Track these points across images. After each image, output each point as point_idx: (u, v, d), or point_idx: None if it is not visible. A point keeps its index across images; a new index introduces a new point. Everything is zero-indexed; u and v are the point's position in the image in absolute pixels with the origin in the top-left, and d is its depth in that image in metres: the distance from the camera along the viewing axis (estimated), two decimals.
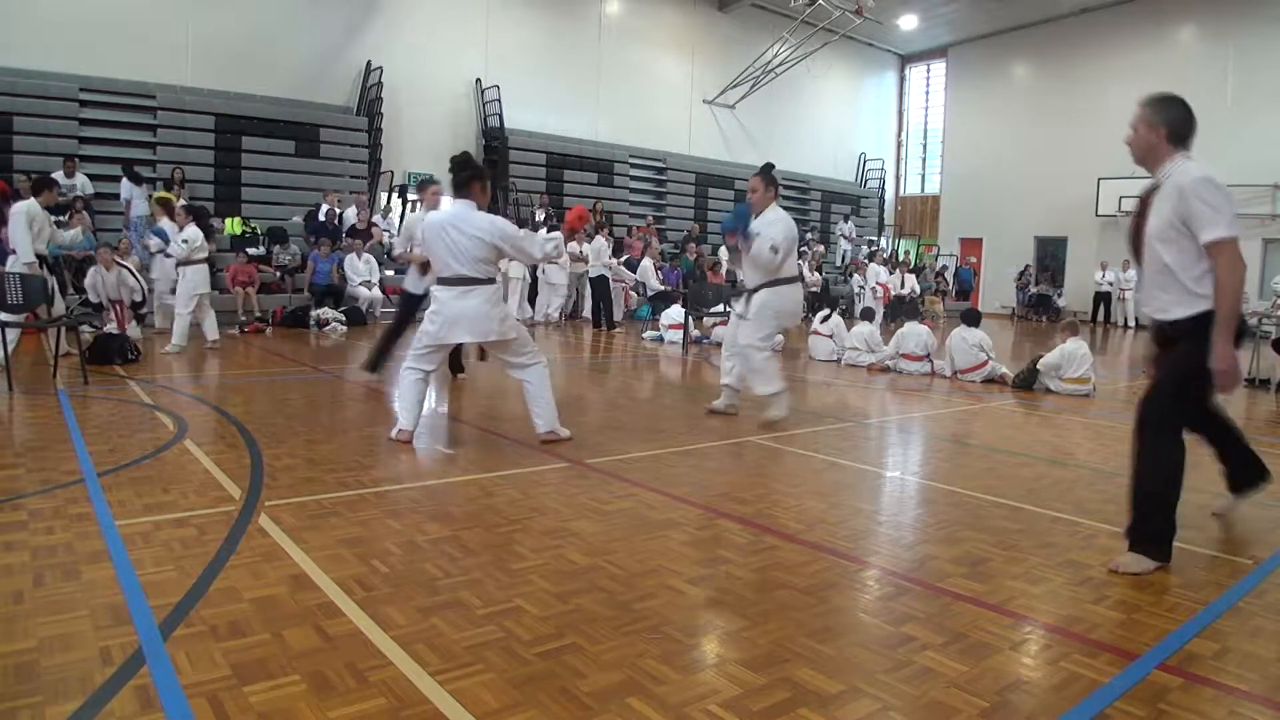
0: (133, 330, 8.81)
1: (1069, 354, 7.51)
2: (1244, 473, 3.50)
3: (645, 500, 3.66)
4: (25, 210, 7.40)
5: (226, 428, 4.88)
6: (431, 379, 4.82)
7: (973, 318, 8.47)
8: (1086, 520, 3.59)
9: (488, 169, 4.80)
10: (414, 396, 4.66)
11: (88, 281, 9.11)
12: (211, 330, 8.67)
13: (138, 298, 9.51)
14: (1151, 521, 2.97)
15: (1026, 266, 21.08)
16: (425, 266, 6.34)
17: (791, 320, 5.85)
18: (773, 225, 5.40)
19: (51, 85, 11.91)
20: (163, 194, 11.73)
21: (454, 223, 4.42)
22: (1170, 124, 2.94)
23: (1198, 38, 18.79)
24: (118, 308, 8.94)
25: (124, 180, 11.59)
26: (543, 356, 4.76)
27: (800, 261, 6.10)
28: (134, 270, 9.54)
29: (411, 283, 6.76)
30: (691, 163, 19.50)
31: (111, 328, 8.53)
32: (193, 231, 8.25)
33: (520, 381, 4.75)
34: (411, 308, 6.82)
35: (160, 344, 8.63)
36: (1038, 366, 7.68)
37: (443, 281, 4.54)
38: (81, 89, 12.12)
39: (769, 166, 5.71)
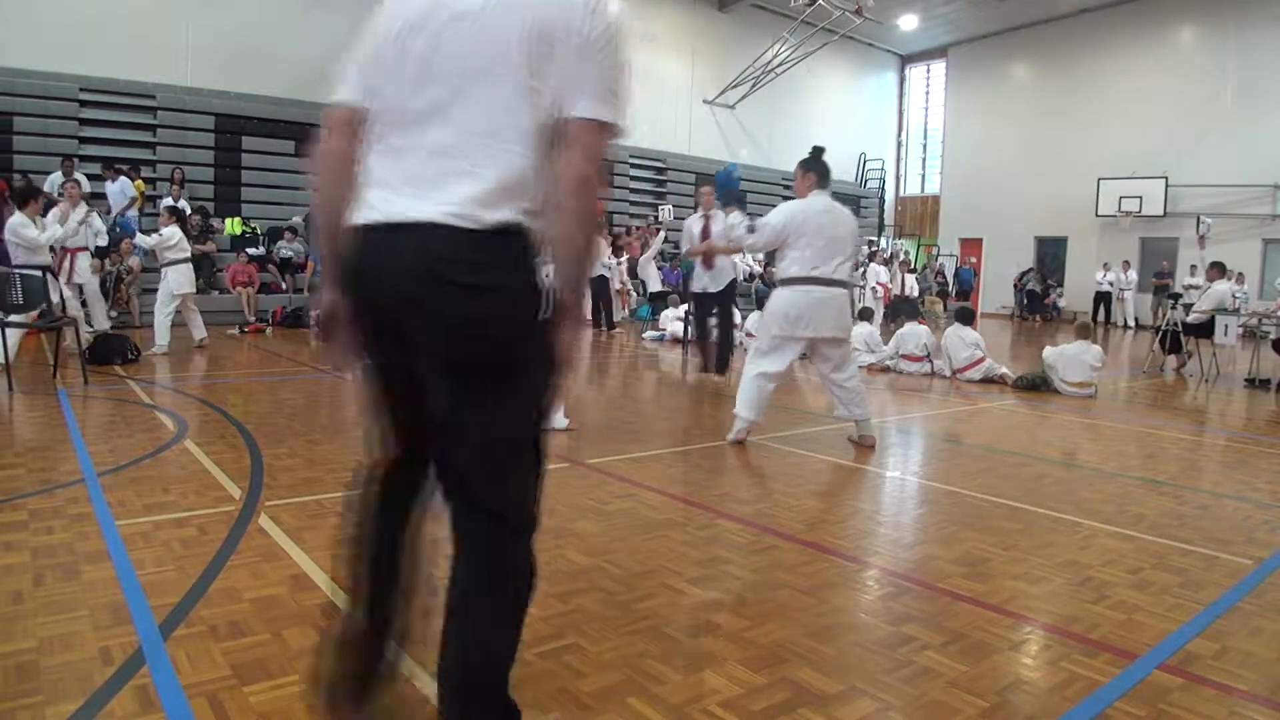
0: (90, 282, 8.53)
1: (1067, 356, 7.50)
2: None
3: (645, 500, 3.66)
4: (16, 228, 7.20)
5: (226, 428, 4.88)
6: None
7: (966, 316, 8.67)
8: (1086, 520, 3.58)
9: None
10: None
11: (49, 217, 7.81)
12: (198, 329, 8.81)
13: (102, 242, 9.18)
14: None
15: (1029, 270, 21.00)
16: (708, 262, 7.16)
17: (799, 329, 4.78)
18: (778, 210, 4.85)
19: (51, 85, 11.90)
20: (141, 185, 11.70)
21: None
22: None
23: (1198, 38, 18.78)
24: (71, 256, 8.17)
25: (121, 178, 11.51)
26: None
27: (847, 266, 4.91)
28: (99, 214, 9.13)
29: (697, 282, 7.49)
30: (691, 163, 19.47)
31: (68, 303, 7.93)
32: (171, 230, 8.34)
33: None
34: (703, 307, 7.61)
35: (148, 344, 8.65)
36: (1044, 357, 7.76)
37: None
38: (81, 89, 12.11)
39: (813, 151, 4.90)
